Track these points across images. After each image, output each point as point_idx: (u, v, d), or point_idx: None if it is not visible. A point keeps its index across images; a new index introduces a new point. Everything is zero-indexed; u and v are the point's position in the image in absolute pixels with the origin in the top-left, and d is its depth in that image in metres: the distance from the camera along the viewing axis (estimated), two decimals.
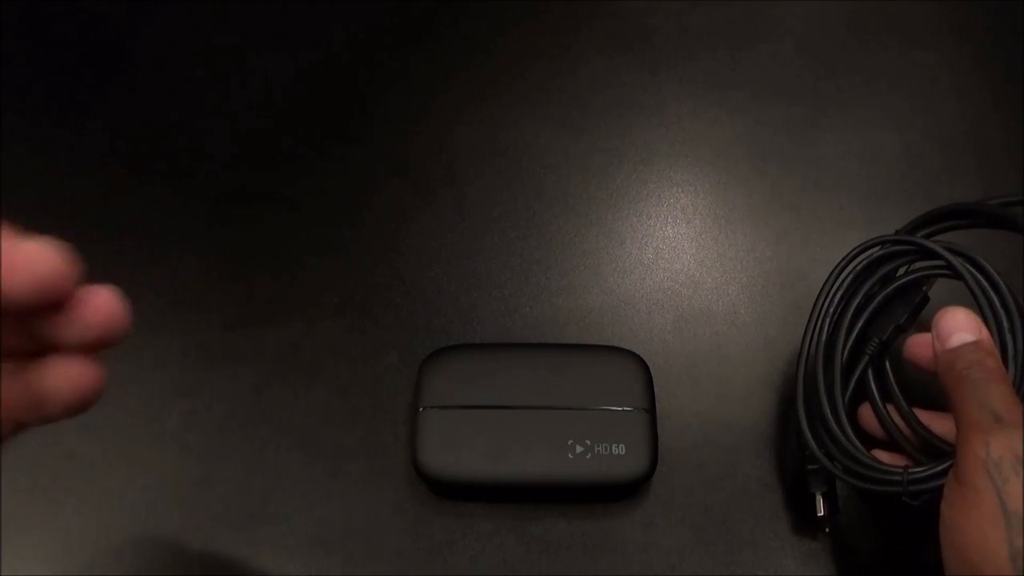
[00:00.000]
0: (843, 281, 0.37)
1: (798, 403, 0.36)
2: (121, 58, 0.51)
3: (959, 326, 0.32)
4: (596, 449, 0.37)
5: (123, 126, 0.49)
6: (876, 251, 0.37)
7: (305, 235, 0.46)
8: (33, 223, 0.47)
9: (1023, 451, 0.27)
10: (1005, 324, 0.33)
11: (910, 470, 0.32)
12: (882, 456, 0.35)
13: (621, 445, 0.37)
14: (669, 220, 0.47)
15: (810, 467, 0.36)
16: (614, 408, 0.38)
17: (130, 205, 0.46)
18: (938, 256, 0.35)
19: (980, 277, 0.34)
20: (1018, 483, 0.27)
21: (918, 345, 0.34)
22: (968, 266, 0.34)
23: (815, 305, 0.37)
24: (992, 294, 0.33)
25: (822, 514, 0.36)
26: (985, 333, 0.32)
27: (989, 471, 0.27)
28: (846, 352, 0.36)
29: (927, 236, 0.37)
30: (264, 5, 0.53)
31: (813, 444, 0.35)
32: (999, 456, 0.27)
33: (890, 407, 0.36)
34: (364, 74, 0.51)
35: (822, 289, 0.38)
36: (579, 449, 0.37)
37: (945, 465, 0.31)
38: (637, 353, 0.40)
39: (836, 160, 0.48)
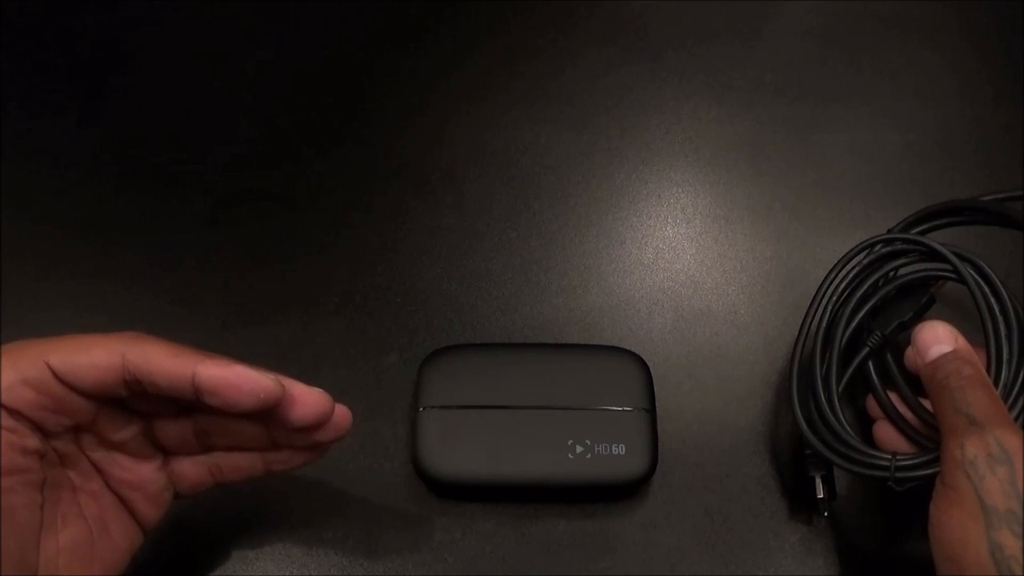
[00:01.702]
0: (848, 272, 0.38)
1: (792, 386, 0.37)
2: (120, 58, 0.51)
3: (937, 339, 0.33)
4: (596, 449, 0.37)
5: (123, 126, 0.49)
6: (883, 248, 0.38)
7: (305, 235, 0.46)
8: (34, 224, 0.47)
9: (996, 449, 0.29)
10: (1003, 330, 0.34)
11: (898, 457, 0.33)
12: (895, 440, 0.36)
13: (621, 445, 0.37)
14: (669, 220, 0.46)
15: (807, 451, 0.37)
16: (614, 408, 0.38)
17: (130, 205, 0.46)
18: (945, 259, 0.36)
19: (983, 284, 0.35)
20: (994, 480, 0.28)
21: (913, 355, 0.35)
22: (972, 272, 0.35)
23: (818, 291, 0.38)
24: (993, 301, 0.34)
25: (821, 496, 0.36)
26: (962, 342, 0.33)
27: (967, 470, 0.29)
28: (844, 339, 0.37)
29: (921, 233, 0.39)
30: (263, 5, 0.53)
31: (805, 426, 0.36)
32: (974, 456, 0.29)
33: (895, 397, 0.36)
34: (363, 74, 0.51)
35: (826, 277, 0.38)
36: (579, 449, 0.37)
37: (932, 456, 0.32)
38: (637, 353, 0.40)
39: (837, 159, 0.48)
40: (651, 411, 0.38)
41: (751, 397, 0.41)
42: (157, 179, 0.47)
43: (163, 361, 0.28)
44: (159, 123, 0.49)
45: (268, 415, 0.30)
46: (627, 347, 0.41)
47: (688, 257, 0.45)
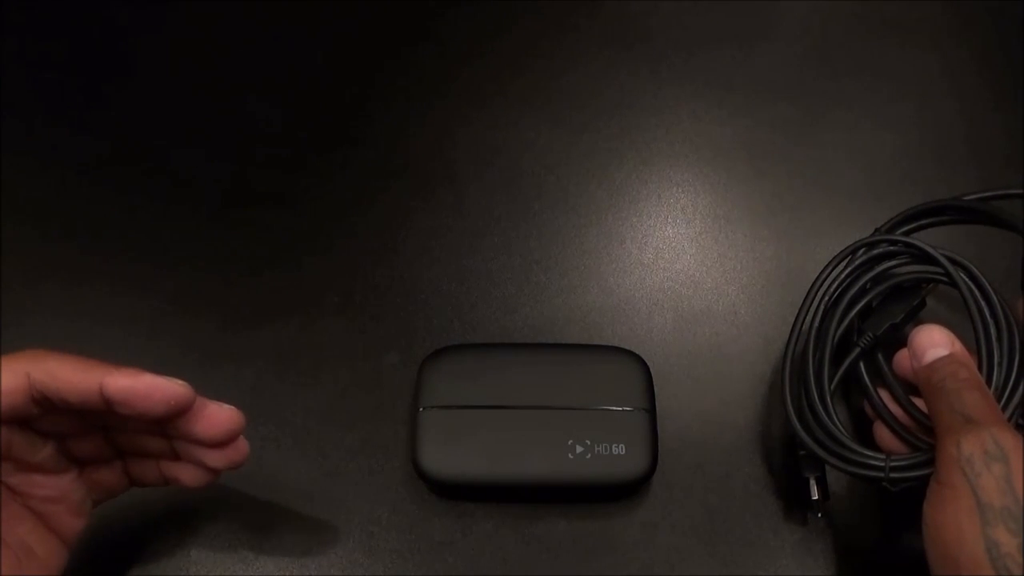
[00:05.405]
0: (841, 272, 0.38)
1: (785, 386, 0.37)
2: (122, 60, 0.51)
3: (933, 342, 0.34)
4: (596, 449, 0.37)
5: (124, 127, 0.49)
6: (876, 249, 0.38)
7: (305, 235, 0.46)
8: (34, 225, 0.47)
9: (992, 447, 0.29)
10: (993, 334, 0.34)
11: (892, 458, 0.33)
12: (894, 440, 0.36)
13: (621, 445, 0.37)
14: (669, 220, 0.47)
15: (801, 452, 0.37)
16: (614, 408, 0.38)
17: (130, 206, 0.46)
18: (937, 263, 0.36)
19: (974, 288, 0.35)
20: (989, 477, 0.28)
21: (906, 358, 0.35)
22: (964, 276, 0.35)
23: (810, 290, 0.38)
24: (984, 305, 0.35)
25: (816, 498, 0.36)
26: (958, 346, 0.34)
27: (963, 468, 0.29)
28: (836, 338, 0.37)
29: (907, 233, 0.39)
30: (264, 6, 0.53)
31: (798, 425, 0.36)
32: (970, 453, 0.29)
33: (887, 396, 0.37)
34: (364, 75, 0.51)
35: (819, 276, 0.39)
36: (579, 449, 0.37)
37: (927, 456, 0.33)
38: (637, 353, 0.40)
39: (836, 160, 0.48)
40: (651, 411, 0.38)
41: (751, 397, 0.41)
42: (157, 181, 0.47)
43: (70, 376, 0.28)
44: (159, 125, 0.49)
45: (176, 427, 0.31)
46: (627, 347, 0.41)
47: (688, 257, 0.45)
